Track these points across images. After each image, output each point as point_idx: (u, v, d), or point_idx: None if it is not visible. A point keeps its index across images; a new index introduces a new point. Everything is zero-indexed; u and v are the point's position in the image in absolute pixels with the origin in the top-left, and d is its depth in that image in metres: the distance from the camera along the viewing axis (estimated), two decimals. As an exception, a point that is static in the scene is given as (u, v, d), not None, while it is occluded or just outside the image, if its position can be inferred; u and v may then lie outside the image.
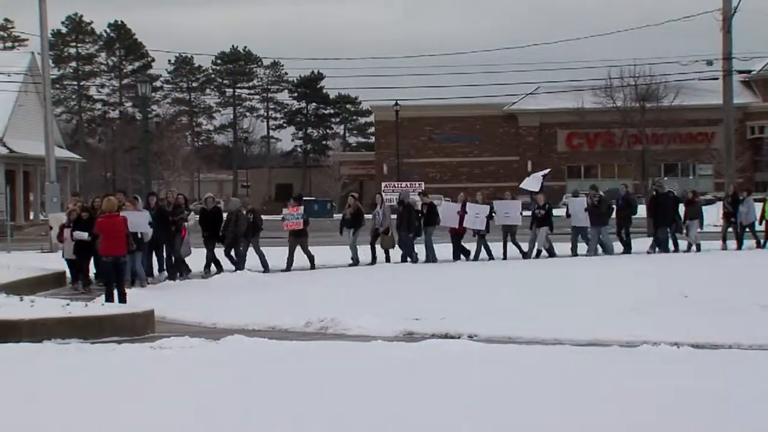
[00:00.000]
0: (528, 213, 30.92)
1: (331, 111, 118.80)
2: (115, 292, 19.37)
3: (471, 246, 29.83)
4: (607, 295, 20.14)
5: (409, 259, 29.08)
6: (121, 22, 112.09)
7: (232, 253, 26.94)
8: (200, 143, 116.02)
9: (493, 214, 30.15)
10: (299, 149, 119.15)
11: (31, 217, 57.52)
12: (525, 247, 29.91)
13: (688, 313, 17.30)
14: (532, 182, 31.79)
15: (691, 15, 48.20)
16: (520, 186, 32.45)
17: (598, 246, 30.13)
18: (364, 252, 28.96)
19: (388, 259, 29.18)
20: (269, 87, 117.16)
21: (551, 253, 29.87)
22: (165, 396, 10.36)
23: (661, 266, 26.42)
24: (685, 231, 31.08)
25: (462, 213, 29.53)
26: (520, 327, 15.81)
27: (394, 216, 30.01)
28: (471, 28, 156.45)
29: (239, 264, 26.79)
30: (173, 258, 25.87)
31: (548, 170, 34.72)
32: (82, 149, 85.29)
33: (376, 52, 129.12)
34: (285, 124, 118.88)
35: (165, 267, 25.73)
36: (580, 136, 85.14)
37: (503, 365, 12.04)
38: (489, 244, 29.70)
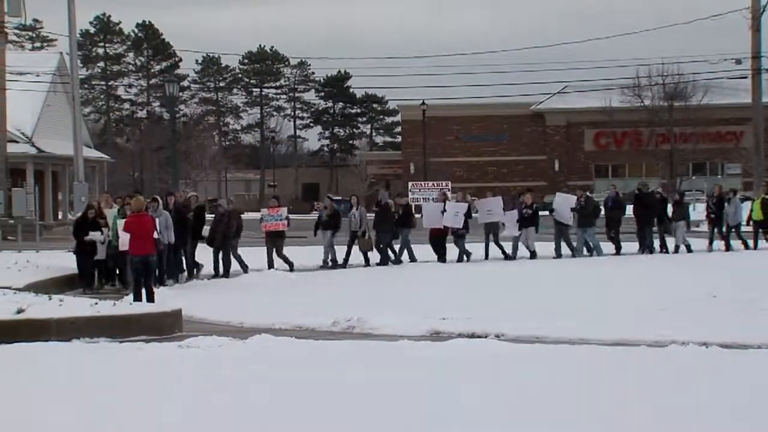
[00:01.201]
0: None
1: (358, 110, 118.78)
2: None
3: (449, 247, 29.29)
4: (628, 295, 20.12)
5: (386, 260, 28.56)
6: (149, 22, 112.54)
7: (231, 254, 26.28)
8: (227, 143, 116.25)
9: (474, 214, 29.87)
10: (326, 149, 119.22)
11: (60, 216, 57.83)
12: (508, 248, 29.44)
13: (715, 313, 17.26)
14: (565, 214, 30.42)
15: (720, 14, 48.06)
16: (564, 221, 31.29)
17: (584, 248, 29.66)
18: (340, 253, 28.52)
19: (367, 262, 28.59)
20: (296, 87, 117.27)
21: (532, 255, 29.25)
22: (191, 394, 10.42)
23: (679, 267, 26.32)
24: (673, 232, 30.69)
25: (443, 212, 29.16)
26: (545, 326, 15.81)
27: (371, 215, 29.58)
28: (498, 27, 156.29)
29: (234, 265, 26.20)
30: (189, 258, 25.57)
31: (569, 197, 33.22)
32: (110, 149, 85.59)
33: (403, 52, 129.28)
34: (312, 124, 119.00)
35: (183, 268, 25.38)
36: (607, 136, 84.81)
37: (530, 365, 12.04)
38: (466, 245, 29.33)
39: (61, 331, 15.60)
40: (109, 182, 64.50)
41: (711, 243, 31.24)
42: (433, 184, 55.57)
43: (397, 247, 29.11)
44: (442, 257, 29.05)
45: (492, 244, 29.59)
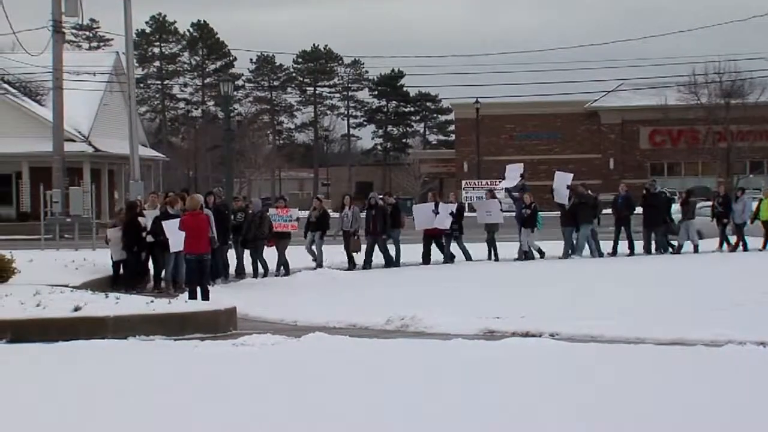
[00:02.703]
0: (510, 213, 29.87)
1: (412, 109, 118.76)
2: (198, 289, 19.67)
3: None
4: (681, 294, 19.91)
5: (386, 262, 27.97)
6: (204, 21, 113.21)
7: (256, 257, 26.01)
8: (281, 141, 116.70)
9: (467, 213, 29.37)
10: (379, 147, 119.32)
11: (116, 215, 58.28)
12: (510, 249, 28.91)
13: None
14: (509, 181, 30.49)
15: (778, 10, 47.52)
16: (501, 186, 30.62)
17: (572, 246, 28.97)
18: (326, 255, 27.83)
19: (352, 265, 27.82)
20: (350, 85, 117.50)
21: (540, 254, 28.76)
22: (247, 392, 10.47)
23: (728, 266, 26.03)
24: (681, 232, 30.03)
25: (436, 213, 28.57)
26: (601, 325, 15.72)
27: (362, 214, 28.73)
28: (552, 24, 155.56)
29: (265, 269, 25.96)
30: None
31: (521, 165, 32.34)
32: (165, 148, 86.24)
33: (456, 50, 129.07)
34: (365, 123, 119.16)
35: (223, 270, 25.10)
36: (663, 134, 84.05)
37: (589, 365, 11.97)
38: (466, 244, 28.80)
39: (117, 329, 15.76)
40: (165, 181, 64.98)
41: (721, 243, 30.51)
42: (487, 182, 55.48)
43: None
44: (427, 259, 28.61)
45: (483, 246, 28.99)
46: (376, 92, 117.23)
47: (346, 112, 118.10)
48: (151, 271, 24.25)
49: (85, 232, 36.52)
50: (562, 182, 29.80)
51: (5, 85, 53.64)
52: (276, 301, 20.48)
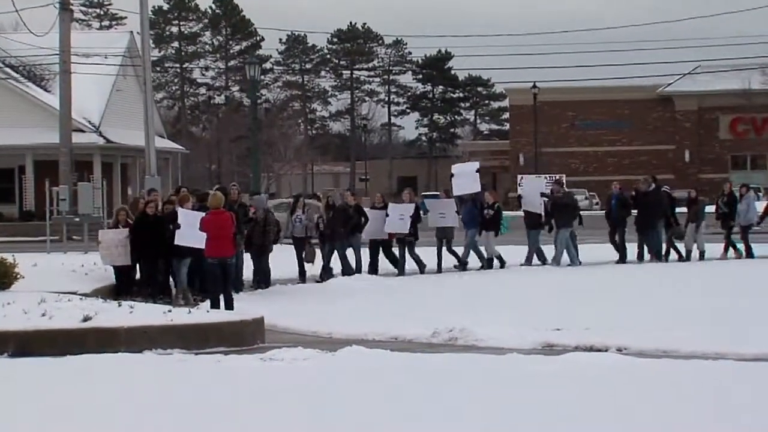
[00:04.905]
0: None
1: (461, 95, 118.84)
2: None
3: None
4: (749, 303, 19.77)
5: (348, 273, 26.84)
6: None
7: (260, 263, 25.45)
8: (314, 131, 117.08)
9: (423, 216, 28.49)
10: (424, 138, 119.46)
11: (130, 213, 58.62)
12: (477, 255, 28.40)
13: None
14: (468, 183, 29.27)
15: None
16: (455, 194, 29.95)
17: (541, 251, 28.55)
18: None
19: (303, 278, 26.65)
20: (391, 68, 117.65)
21: (501, 261, 28.29)
22: (274, 416, 10.49)
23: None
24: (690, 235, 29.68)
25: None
26: (673, 338, 15.64)
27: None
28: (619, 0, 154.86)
29: (267, 278, 25.49)
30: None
31: (477, 164, 31.59)
32: (184, 139, 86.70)
33: (511, 29, 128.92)
34: (408, 110, 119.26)
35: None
36: (746, 122, 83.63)
37: (658, 385, 11.90)
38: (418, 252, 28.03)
39: (131, 341, 15.82)
40: (184, 176, 65.29)
41: (727, 249, 30.12)
42: (546, 177, 55.27)
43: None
44: (397, 266, 27.83)
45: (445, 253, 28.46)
46: (420, 76, 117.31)
47: (386, 99, 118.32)
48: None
49: (95, 233, 36.81)
50: (533, 189, 29.50)
51: (7, 69, 54.11)
52: (307, 311, 20.53)
